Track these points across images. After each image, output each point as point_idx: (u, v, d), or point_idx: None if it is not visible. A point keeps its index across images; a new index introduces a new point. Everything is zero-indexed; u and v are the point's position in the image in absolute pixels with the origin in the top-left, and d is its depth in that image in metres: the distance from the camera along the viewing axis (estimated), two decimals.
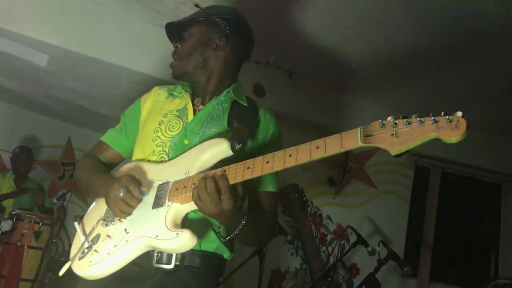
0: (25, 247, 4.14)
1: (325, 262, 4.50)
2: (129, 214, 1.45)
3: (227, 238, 1.45)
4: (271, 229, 1.64)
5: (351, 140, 1.14)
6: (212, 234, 1.50)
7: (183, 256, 1.45)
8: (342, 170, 4.81)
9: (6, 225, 4.05)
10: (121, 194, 1.41)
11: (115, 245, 1.42)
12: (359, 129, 1.14)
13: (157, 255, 1.45)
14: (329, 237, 4.69)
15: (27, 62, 3.88)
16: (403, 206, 4.91)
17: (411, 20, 3.20)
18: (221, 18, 1.68)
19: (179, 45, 1.69)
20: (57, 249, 4.95)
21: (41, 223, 4.22)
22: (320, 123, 4.35)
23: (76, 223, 1.61)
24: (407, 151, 1.10)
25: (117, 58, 3.75)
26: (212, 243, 1.51)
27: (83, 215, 1.67)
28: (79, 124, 6.36)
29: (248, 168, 1.31)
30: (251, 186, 1.56)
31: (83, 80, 4.23)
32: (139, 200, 1.44)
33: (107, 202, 1.48)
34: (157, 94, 1.75)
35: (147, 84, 3.90)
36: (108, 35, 3.70)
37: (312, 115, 4.38)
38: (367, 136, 1.13)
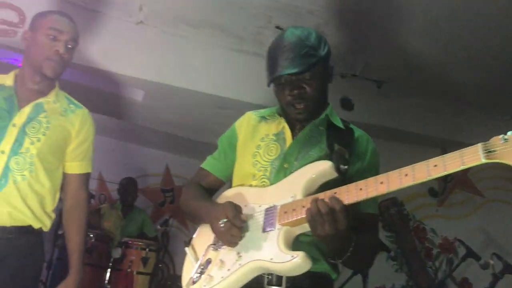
0: (135, 272, 4.37)
1: (432, 278, 4.26)
2: (237, 242, 1.49)
3: (338, 260, 1.44)
4: (374, 251, 1.63)
5: (472, 157, 1.13)
6: (320, 256, 1.51)
7: (293, 278, 1.45)
8: (444, 180, 4.56)
9: (116, 253, 4.29)
10: (222, 225, 1.46)
11: (229, 269, 1.48)
12: (479, 145, 1.13)
13: (268, 278, 1.46)
14: (435, 251, 4.45)
15: (125, 99, 4.16)
16: None
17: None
18: (327, 51, 1.60)
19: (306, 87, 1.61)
20: (163, 274, 5.16)
21: (147, 249, 4.43)
22: (414, 132, 4.18)
23: (187, 249, 1.68)
24: None
25: (206, 87, 3.91)
26: (321, 265, 1.51)
27: (190, 239, 1.74)
28: (175, 152, 6.68)
29: (361, 189, 1.31)
30: (353, 209, 1.53)
31: (177, 110, 4.44)
32: (242, 228, 1.48)
33: (213, 232, 1.54)
34: (250, 119, 1.78)
35: (237, 109, 4.06)
36: (196, 66, 3.86)
37: (404, 125, 4.22)
38: (489, 151, 1.11)
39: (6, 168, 1.86)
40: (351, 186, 1.33)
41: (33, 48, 1.96)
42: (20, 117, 1.92)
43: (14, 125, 1.91)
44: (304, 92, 1.56)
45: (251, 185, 1.63)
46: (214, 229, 1.52)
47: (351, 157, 1.54)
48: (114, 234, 4.78)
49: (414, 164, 1.24)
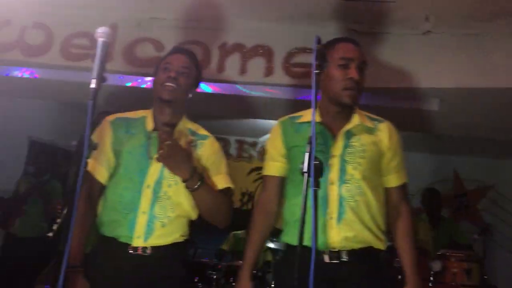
0: (459, 285, 4.21)
1: None
2: None
3: None
4: None
5: None
6: None
7: None
8: None
9: (436, 266, 4.22)
10: None
11: None
12: None
13: None
14: None
15: (421, 112, 4.14)
16: None
17: None
18: None
19: None
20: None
21: (468, 260, 4.24)
22: None
23: None
24: None
25: (509, 81, 3.59)
26: None
27: None
28: (463, 154, 6.37)
29: None
30: None
31: (474, 112, 4.21)
32: None
33: None
34: None
35: None
36: (496, 61, 3.59)
37: None
38: None
39: None
40: None
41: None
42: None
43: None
44: None
45: None
46: None
47: None
48: (429, 246, 4.75)
49: None
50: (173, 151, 1.88)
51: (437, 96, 3.94)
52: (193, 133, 2.16)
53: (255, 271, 2.90)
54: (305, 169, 1.53)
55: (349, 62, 2.00)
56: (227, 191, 2.13)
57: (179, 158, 1.90)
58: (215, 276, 4.02)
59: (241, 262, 2.19)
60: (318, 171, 1.53)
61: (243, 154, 6.83)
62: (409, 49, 3.75)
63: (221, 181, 2.11)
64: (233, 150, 6.70)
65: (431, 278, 4.23)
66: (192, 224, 2.17)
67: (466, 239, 4.93)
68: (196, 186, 1.93)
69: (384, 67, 3.78)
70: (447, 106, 4.03)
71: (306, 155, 1.54)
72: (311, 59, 1.71)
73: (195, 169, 1.95)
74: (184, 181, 1.93)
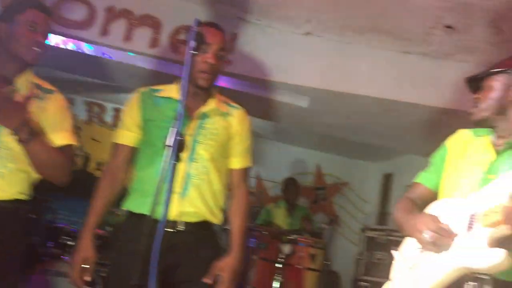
0: (304, 268, 4.63)
1: None
2: (441, 248, 1.61)
3: None
4: None
5: None
6: None
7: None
8: None
9: (287, 249, 4.58)
10: (427, 236, 1.61)
11: (433, 269, 1.62)
12: None
13: (468, 285, 1.55)
14: None
15: (290, 105, 4.43)
16: None
17: None
18: None
19: (479, 96, 1.80)
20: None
21: (314, 246, 4.68)
22: None
23: (394, 251, 1.88)
24: None
25: (371, 90, 4.02)
26: None
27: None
28: (327, 151, 6.92)
29: None
30: None
31: (340, 114, 4.61)
32: (446, 237, 1.59)
33: (420, 243, 1.69)
34: (461, 136, 1.90)
35: (402, 111, 4.10)
36: (361, 70, 3.98)
37: None
38: None
39: None
40: None
41: None
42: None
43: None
44: None
45: (455, 196, 1.73)
46: (419, 241, 1.67)
47: None
48: (282, 231, 5.12)
49: None
50: (1, 102, 1.84)
51: (307, 94, 4.25)
52: (38, 87, 2.08)
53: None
54: (169, 143, 1.59)
55: (208, 46, 2.03)
56: (67, 149, 2.07)
57: (8, 109, 1.85)
58: (69, 242, 3.92)
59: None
60: (181, 147, 1.61)
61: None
62: (289, 46, 4.00)
63: (61, 138, 2.05)
64: (108, 118, 6.49)
65: (282, 260, 4.58)
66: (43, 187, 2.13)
67: (316, 228, 5.42)
68: (25, 139, 1.88)
69: (264, 59, 3.99)
70: (315, 104, 4.37)
71: (172, 130, 1.60)
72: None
73: (26, 121, 1.89)
74: (12, 132, 1.87)
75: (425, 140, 4.37)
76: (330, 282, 5.38)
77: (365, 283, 4.99)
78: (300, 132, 5.93)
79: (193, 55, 1.73)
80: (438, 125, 4.21)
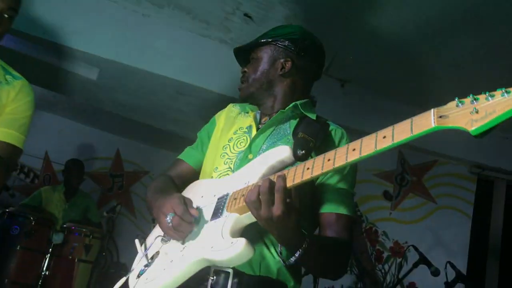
0: (76, 260, 4.13)
1: (381, 281, 4.26)
2: (185, 235, 1.36)
3: (291, 261, 1.28)
4: (344, 259, 1.45)
5: (422, 123, 0.98)
6: (273, 257, 1.38)
7: (239, 283, 1.32)
8: (399, 184, 4.57)
9: (58, 238, 4.04)
10: (169, 220, 1.35)
11: (171, 260, 1.36)
12: (432, 110, 0.99)
13: (212, 280, 1.33)
14: (385, 255, 4.44)
15: (78, 76, 3.90)
16: (464, 221, 4.60)
17: None
18: (286, 39, 1.63)
19: (246, 70, 1.67)
20: (106, 261, 4.93)
21: (91, 236, 4.21)
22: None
23: (136, 240, 1.58)
24: (490, 130, 0.91)
25: (167, 70, 3.72)
26: (273, 267, 1.38)
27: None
28: (127, 136, 6.42)
29: (308, 168, 1.19)
30: (317, 209, 1.42)
31: (133, 93, 4.21)
32: (190, 223, 1.35)
33: (160, 227, 1.44)
34: (230, 111, 1.75)
35: (198, 97, 3.89)
36: (158, 47, 3.67)
37: (366, 125, 4.17)
38: (441, 117, 0.97)
39: None
40: (299, 166, 1.22)
41: None
42: None
43: None
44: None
45: (212, 177, 1.55)
46: (160, 224, 1.42)
47: (320, 148, 1.41)
48: (56, 219, 4.51)
49: (363, 138, 1.11)
50: None
51: (97, 65, 3.79)
52: (4, 70, 1.88)
53: None
54: None
55: None
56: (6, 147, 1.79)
57: None
58: None
59: None
60: None
61: None
62: (81, 7, 3.52)
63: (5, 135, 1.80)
64: None
65: (50, 250, 4.02)
66: None
67: (98, 218, 4.93)
68: None
69: (50, 18, 3.43)
70: (106, 79, 3.92)
71: None
72: None
73: None
74: None
75: None
76: (117, 275, 4.96)
77: None
78: (96, 111, 5.33)
79: None
80: None
